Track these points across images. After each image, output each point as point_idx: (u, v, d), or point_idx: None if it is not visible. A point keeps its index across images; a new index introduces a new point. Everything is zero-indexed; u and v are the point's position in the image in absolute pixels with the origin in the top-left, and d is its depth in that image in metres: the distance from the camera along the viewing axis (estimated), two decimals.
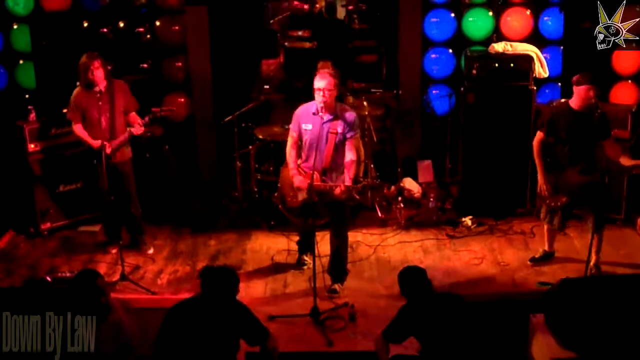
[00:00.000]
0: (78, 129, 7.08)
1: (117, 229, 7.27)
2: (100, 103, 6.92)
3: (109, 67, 7.29)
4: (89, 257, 7.41)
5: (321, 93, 6.32)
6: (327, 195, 6.44)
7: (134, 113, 7.17)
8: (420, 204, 8.33)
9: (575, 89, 6.58)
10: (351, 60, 9.80)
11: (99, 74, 6.91)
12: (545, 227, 7.03)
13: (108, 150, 6.92)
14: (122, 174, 7.17)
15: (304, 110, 6.58)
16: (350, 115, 6.48)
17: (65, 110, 7.88)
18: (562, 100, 7.02)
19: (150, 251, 7.46)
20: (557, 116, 6.68)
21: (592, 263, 6.71)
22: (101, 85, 6.95)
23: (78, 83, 7.09)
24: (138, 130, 6.97)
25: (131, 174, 7.28)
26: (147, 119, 6.97)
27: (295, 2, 10.28)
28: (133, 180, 7.30)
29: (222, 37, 8.99)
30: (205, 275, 4.90)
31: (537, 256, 7.13)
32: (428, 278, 5.09)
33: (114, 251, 7.32)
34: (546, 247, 7.12)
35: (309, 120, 6.49)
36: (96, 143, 6.94)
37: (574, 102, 6.61)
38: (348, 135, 6.43)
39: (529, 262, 7.11)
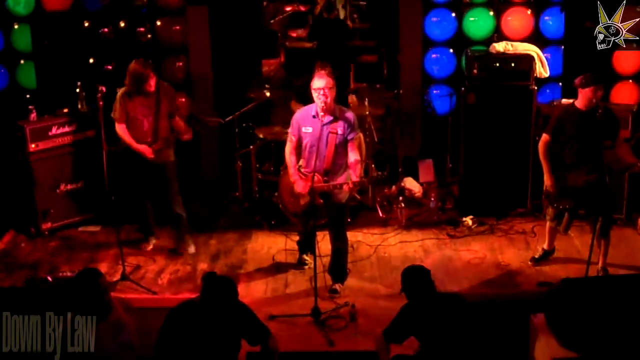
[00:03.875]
0: (121, 130, 7.00)
1: (151, 225, 7.38)
2: (145, 106, 6.95)
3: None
4: (89, 257, 7.41)
5: (321, 92, 6.31)
6: (328, 196, 6.45)
7: (178, 118, 7.17)
8: (421, 203, 8.34)
9: (581, 91, 6.56)
10: (352, 60, 9.80)
11: (153, 83, 6.93)
12: (547, 225, 7.03)
13: (151, 156, 6.97)
14: (165, 175, 7.14)
15: (303, 114, 6.58)
16: (350, 116, 6.49)
17: (66, 110, 7.92)
18: (569, 100, 7.00)
19: (192, 250, 7.38)
20: (564, 118, 6.65)
21: (599, 266, 6.72)
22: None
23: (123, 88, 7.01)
24: (188, 136, 7.09)
25: (174, 176, 7.22)
26: (197, 127, 7.12)
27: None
28: (176, 181, 7.24)
29: (223, 37, 8.99)
30: (206, 282, 4.88)
31: (537, 256, 7.13)
32: (431, 279, 5.08)
33: (149, 248, 7.35)
34: (545, 246, 7.11)
35: (308, 123, 6.49)
36: (140, 147, 6.94)
37: (580, 103, 6.60)
38: (349, 137, 6.43)
39: (529, 262, 7.11)
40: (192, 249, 7.40)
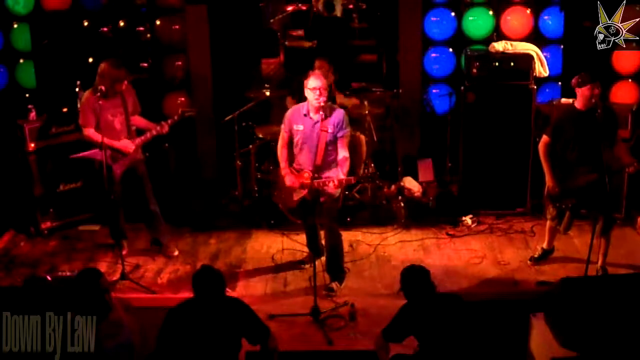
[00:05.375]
0: (94, 133, 6.89)
1: (122, 229, 7.30)
2: (112, 105, 6.92)
3: None
4: (89, 256, 7.42)
5: (318, 92, 6.39)
6: (321, 193, 6.47)
7: (137, 116, 7.17)
8: (420, 202, 8.34)
9: (578, 90, 6.55)
10: (351, 60, 9.80)
11: (126, 82, 6.95)
12: (548, 224, 7.02)
13: (131, 151, 6.95)
14: (138, 173, 7.13)
15: (295, 112, 6.67)
16: (340, 113, 6.55)
17: (65, 110, 7.92)
18: (568, 100, 7.00)
19: (175, 253, 7.36)
20: (563, 119, 6.65)
21: (599, 265, 6.72)
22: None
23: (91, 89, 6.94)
24: (165, 129, 7.01)
25: (147, 174, 7.22)
26: (176, 117, 7.06)
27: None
28: (148, 179, 7.23)
29: (222, 36, 8.99)
30: (195, 276, 4.91)
31: (536, 255, 7.13)
32: (431, 280, 5.07)
33: (124, 252, 7.26)
34: (545, 245, 7.11)
35: (299, 121, 6.57)
36: (120, 144, 6.92)
37: (579, 103, 6.60)
38: (339, 135, 6.50)
39: (529, 262, 7.11)
40: (175, 252, 7.37)
